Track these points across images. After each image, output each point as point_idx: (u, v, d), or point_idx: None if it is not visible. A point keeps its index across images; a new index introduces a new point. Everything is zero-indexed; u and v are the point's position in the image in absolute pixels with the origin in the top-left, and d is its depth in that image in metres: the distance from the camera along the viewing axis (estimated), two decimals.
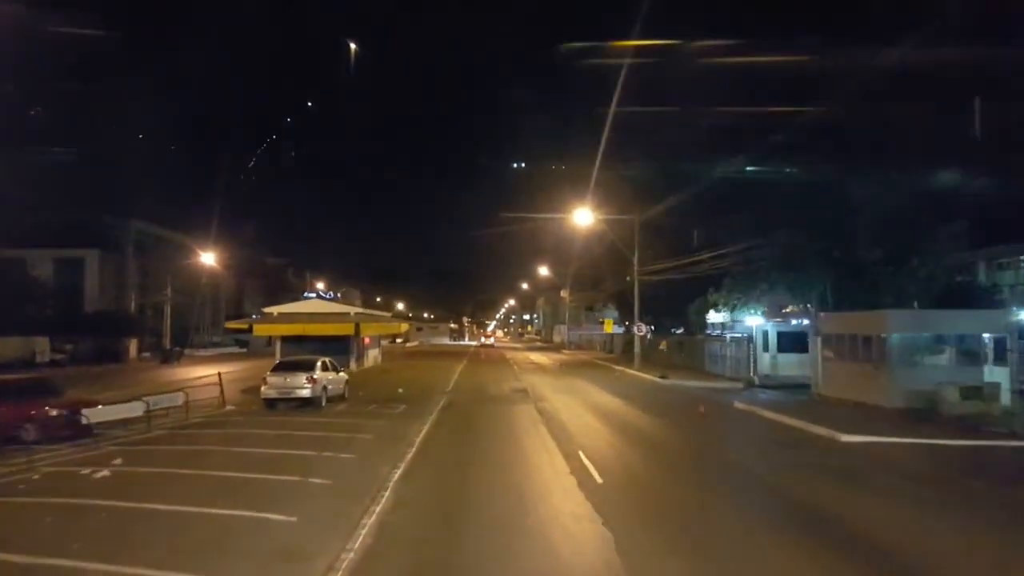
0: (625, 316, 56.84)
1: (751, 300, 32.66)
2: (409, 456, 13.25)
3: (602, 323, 71.52)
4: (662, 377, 33.32)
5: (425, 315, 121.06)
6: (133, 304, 64.54)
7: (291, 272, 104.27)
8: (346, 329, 34.22)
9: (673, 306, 46.02)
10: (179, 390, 19.35)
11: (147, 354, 58.12)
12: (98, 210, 61.13)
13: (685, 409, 22.47)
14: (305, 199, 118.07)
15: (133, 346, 56.77)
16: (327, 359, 21.88)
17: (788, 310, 34.54)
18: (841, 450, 15.25)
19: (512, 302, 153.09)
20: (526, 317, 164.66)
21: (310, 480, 11.23)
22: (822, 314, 24.80)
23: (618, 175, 43.34)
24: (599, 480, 11.39)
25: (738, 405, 23.11)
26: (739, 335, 34.27)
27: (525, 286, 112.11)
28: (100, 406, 16.51)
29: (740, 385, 30.71)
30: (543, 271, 76.93)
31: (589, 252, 56.40)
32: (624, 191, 43.76)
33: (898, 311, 22.01)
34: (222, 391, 21.27)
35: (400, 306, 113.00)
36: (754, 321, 33.76)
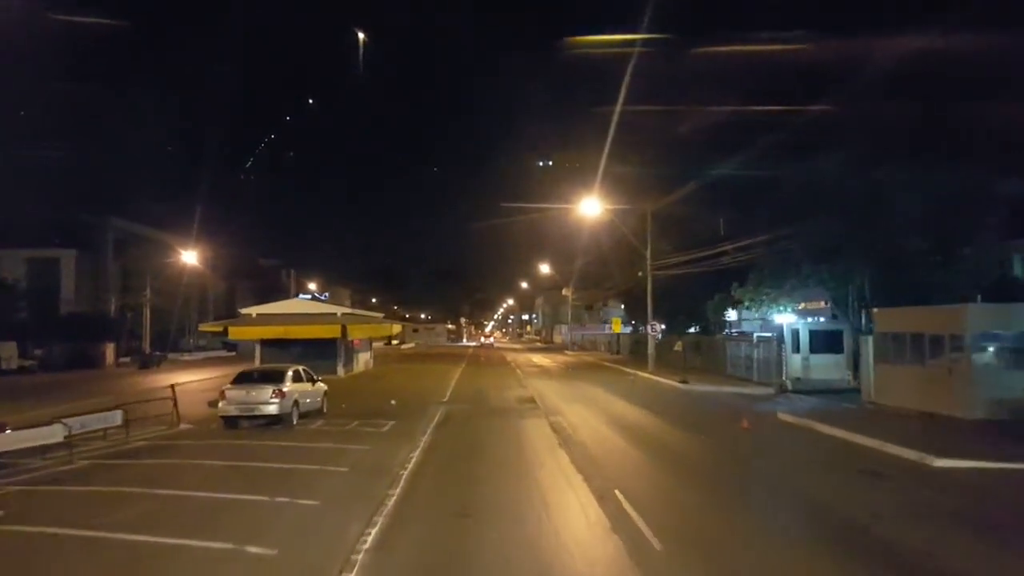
0: (633, 315, 53.57)
1: (782, 295, 29.38)
2: (391, 503, 9.88)
3: (608, 323, 68.33)
4: (682, 382, 30.02)
5: (423, 316, 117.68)
6: (113, 307, 61.18)
7: (285, 273, 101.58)
8: (332, 331, 30.90)
9: (687, 304, 42.75)
10: (119, 407, 16.00)
11: (127, 359, 54.68)
12: (77, 208, 57.91)
13: (723, 422, 19.16)
14: (299, 198, 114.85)
15: (110, 351, 53.30)
16: (300, 368, 18.51)
17: (807, 307, 31.37)
18: (943, 480, 11.93)
19: (511, 302, 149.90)
20: (525, 317, 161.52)
21: (246, 549, 7.87)
22: (876, 310, 21.53)
23: (627, 166, 40.18)
24: (656, 544, 8.02)
25: (784, 417, 19.78)
26: (766, 334, 31.00)
27: (525, 285, 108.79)
28: (8, 431, 13.17)
29: (771, 391, 27.46)
30: (544, 268, 73.61)
31: (595, 247, 53.13)
32: (633, 184, 40.55)
33: (980, 305, 18.70)
34: (175, 406, 17.91)
35: (394, 307, 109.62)
36: (784, 319, 30.50)
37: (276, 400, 16.26)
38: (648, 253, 36.51)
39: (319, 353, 33.01)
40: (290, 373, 17.39)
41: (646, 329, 55.33)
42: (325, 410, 19.39)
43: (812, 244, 27.53)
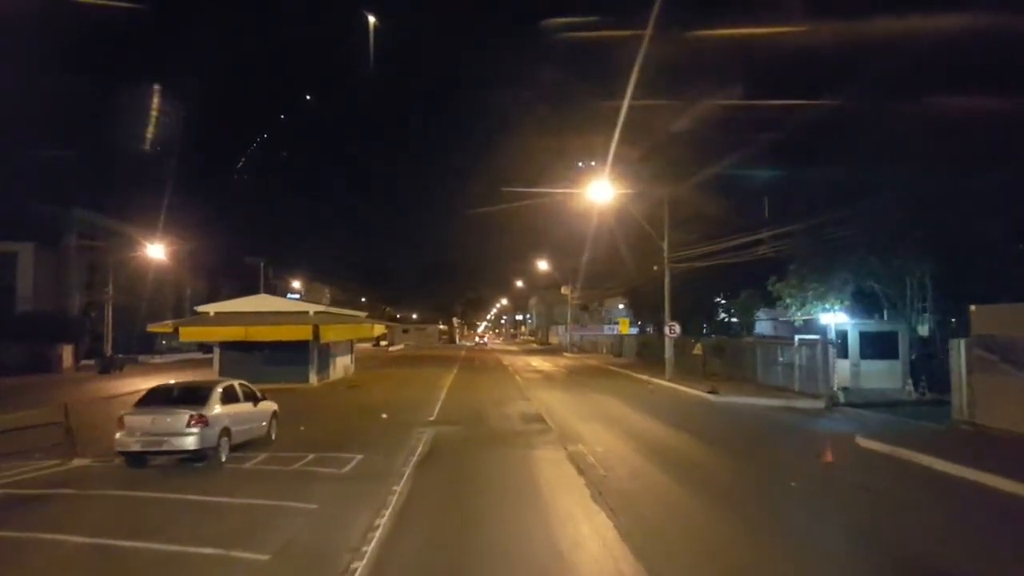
0: (640, 315, 49.23)
1: (831, 291, 25.02)
2: None
3: (614, 323, 63.91)
4: (712, 392, 25.61)
5: (414, 316, 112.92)
6: (77, 305, 56.44)
7: (270, 271, 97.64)
8: (301, 333, 26.35)
9: (704, 303, 38.49)
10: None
11: (91, 361, 49.84)
12: (36, 199, 53.05)
13: (793, 452, 14.74)
14: (289, 195, 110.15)
15: (67, 353, 48.51)
16: (236, 383, 13.92)
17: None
18: None
19: (504, 301, 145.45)
20: (518, 317, 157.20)
21: None
22: (974, 308, 17.14)
23: (640, 151, 35.82)
24: None
25: (866, 443, 15.37)
26: (810, 336, 26.62)
27: (520, 283, 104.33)
28: None
29: (819, 404, 23.18)
30: (542, 265, 69.11)
31: (600, 241, 48.68)
32: (645, 173, 36.21)
33: None
34: (69, 433, 13.35)
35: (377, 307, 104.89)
36: (831, 319, 26.14)
37: (195, 430, 11.69)
38: (665, 244, 32.08)
39: (289, 358, 28.53)
40: (218, 391, 12.77)
41: (655, 330, 51.11)
42: (274, 437, 14.84)
43: (867, 233, 23.32)
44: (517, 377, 35.36)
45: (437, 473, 12.33)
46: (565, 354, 65.02)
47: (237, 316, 27.78)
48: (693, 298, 38.10)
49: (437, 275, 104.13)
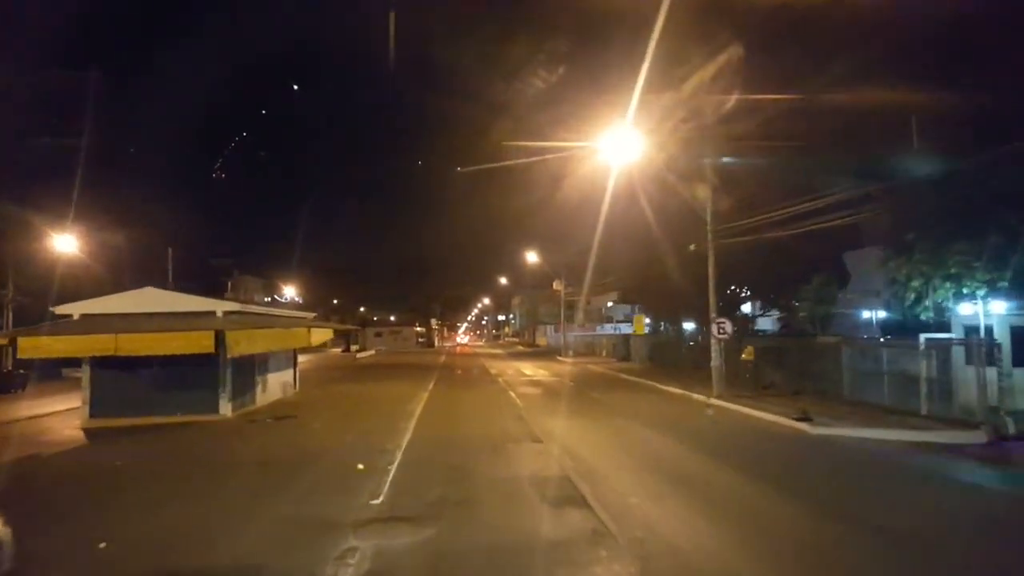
0: (656, 310, 41.07)
1: (979, 269, 16.97)
2: None
3: (618, 322, 55.90)
4: (803, 419, 17.50)
5: (392, 318, 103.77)
6: None
7: (237, 273, 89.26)
8: (197, 343, 17.80)
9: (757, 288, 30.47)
10: None
11: None
12: None
13: None
14: (259, 193, 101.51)
15: None
16: None
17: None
18: None
19: (486, 301, 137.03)
20: (501, 318, 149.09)
21: None
22: None
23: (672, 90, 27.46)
24: None
25: None
26: (943, 336, 18.58)
27: (504, 280, 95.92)
28: None
29: (976, 436, 15.33)
30: (531, 258, 60.73)
31: (605, 226, 40.41)
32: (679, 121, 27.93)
33: None
34: None
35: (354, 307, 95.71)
36: (970, 309, 18.13)
37: None
38: (709, 216, 23.89)
39: (191, 378, 20.06)
40: None
41: (673, 329, 43.07)
42: None
43: None
44: (511, 393, 27.00)
45: None
46: (559, 358, 56.78)
47: (112, 320, 19.16)
48: (726, 287, 30.18)
49: (415, 272, 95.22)
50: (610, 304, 72.34)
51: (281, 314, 25.04)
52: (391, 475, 11.88)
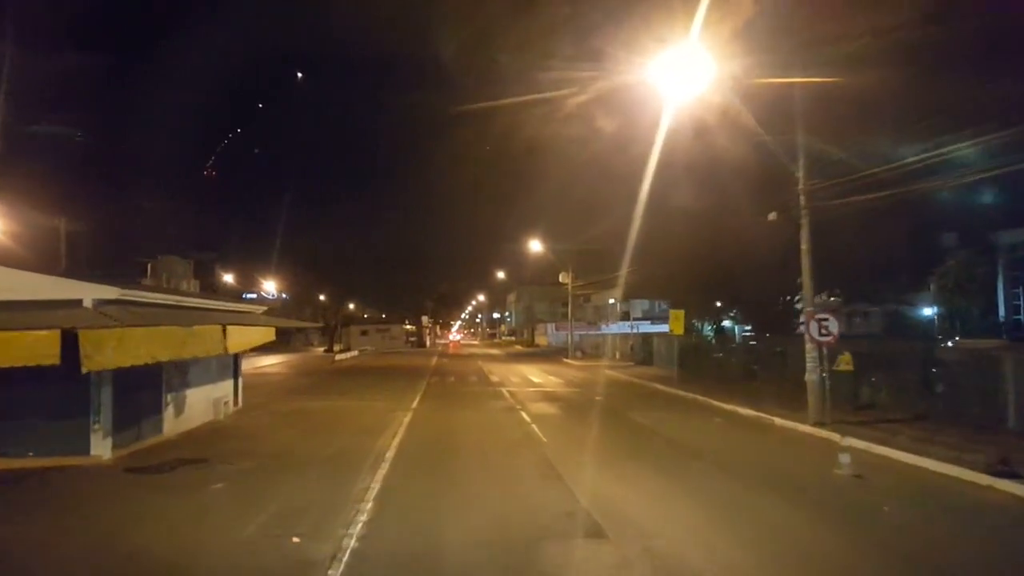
0: (695, 306, 34.41)
1: None
2: None
3: (632, 321, 49.21)
4: (1000, 471, 10.78)
5: (383, 316, 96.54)
6: None
7: (218, 267, 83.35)
8: (33, 351, 10.95)
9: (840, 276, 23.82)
10: None
11: None
12: None
13: None
14: (245, 185, 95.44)
15: None
16: None
17: None
18: None
19: (481, 297, 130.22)
20: (496, 315, 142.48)
21: None
22: None
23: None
24: None
25: None
26: None
27: (502, 275, 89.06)
28: None
29: None
30: (535, 246, 53.88)
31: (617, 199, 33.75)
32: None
33: None
34: None
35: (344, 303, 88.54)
36: None
37: None
38: (800, 166, 17.12)
39: (50, 399, 13.25)
40: None
41: (712, 327, 36.47)
42: None
43: None
44: (523, 415, 20.17)
45: None
46: (566, 360, 50.06)
47: None
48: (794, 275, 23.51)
49: (405, 267, 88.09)
50: (611, 301, 65.75)
51: (209, 306, 18.16)
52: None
